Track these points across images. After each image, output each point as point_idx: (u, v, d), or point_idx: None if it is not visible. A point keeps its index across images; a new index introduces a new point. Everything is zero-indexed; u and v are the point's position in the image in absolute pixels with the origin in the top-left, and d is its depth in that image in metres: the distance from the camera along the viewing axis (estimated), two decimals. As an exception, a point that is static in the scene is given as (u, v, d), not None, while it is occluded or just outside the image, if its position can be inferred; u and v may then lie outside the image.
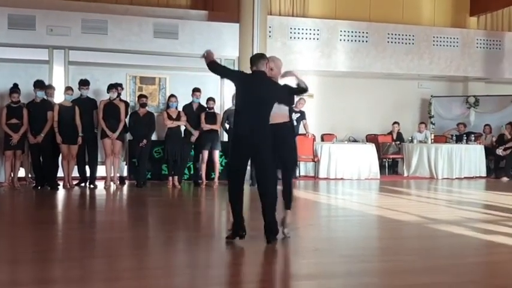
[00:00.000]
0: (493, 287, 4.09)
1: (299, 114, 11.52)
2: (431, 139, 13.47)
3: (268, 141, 5.23)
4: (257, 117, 5.21)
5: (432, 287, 4.00)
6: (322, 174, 11.86)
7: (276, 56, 5.77)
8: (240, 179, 5.39)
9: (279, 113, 5.45)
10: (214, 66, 5.50)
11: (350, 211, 7.89)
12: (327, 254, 5.10)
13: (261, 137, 5.20)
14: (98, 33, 11.41)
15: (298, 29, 13.50)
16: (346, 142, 12.91)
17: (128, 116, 10.27)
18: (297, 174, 11.28)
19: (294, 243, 5.48)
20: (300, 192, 9.51)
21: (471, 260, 4.90)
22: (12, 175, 9.43)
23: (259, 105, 5.24)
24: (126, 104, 10.36)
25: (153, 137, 10.65)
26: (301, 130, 11.75)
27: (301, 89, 5.62)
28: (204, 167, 10.29)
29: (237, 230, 5.29)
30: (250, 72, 5.49)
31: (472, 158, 12.92)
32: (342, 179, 11.86)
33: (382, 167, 12.96)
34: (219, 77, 12.27)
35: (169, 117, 10.14)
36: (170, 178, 10.13)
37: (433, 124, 15.04)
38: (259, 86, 5.32)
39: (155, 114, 10.80)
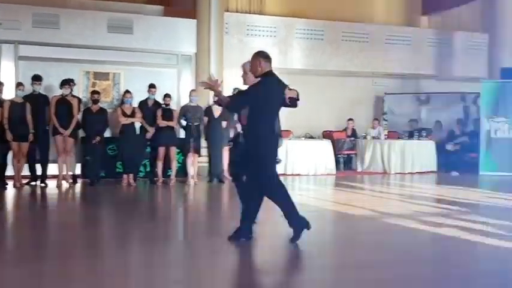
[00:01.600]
0: (443, 278, 4.20)
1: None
2: (385, 135, 13.73)
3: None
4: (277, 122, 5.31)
5: (383, 280, 4.08)
6: (279, 170, 11.85)
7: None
8: None
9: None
10: (234, 105, 5.41)
11: (306, 206, 7.93)
12: (280, 251, 5.14)
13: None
14: (50, 27, 11.17)
15: (255, 26, 13.52)
16: (302, 139, 13.02)
17: (81, 113, 10.09)
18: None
19: (250, 242, 5.52)
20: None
21: (421, 253, 5.03)
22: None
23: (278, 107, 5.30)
24: (79, 100, 10.16)
25: (107, 134, 10.49)
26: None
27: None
28: (160, 164, 10.19)
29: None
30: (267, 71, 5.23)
31: (423, 153, 13.25)
32: (298, 175, 11.96)
33: (337, 162, 13.13)
34: (175, 73, 12.41)
35: (124, 114, 10.00)
36: (125, 176, 10.00)
37: (386, 120, 15.31)
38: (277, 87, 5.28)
39: (109, 110, 10.64)
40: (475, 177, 12.46)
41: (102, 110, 10.16)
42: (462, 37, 15.63)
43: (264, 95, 5.12)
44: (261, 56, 5.24)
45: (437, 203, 8.52)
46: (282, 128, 13.79)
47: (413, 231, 5.94)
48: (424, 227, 6.11)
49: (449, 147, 13.45)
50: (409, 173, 12.84)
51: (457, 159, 13.30)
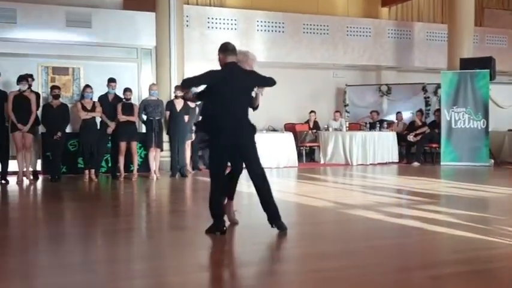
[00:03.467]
0: (401, 267, 4.28)
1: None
2: (346, 127, 13.85)
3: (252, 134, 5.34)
4: (239, 110, 5.26)
5: (344, 270, 4.13)
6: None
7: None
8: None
9: None
10: (189, 83, 5.43)
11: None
12: (242, 242, 5.16)
13: (244, 130, 5.27)
14: (6, 22, 10.90)
15: (216, 18, 13.46)
16: (265, 131, 13.04)
17: (40, 108, 9.89)
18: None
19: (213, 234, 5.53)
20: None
21: (383, 243, 5.10)
22: None
23: (239, 97, 5.28)
24: (37, 95, 9.96)
25: (68, 129, 10.32)
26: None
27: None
28: (122, 159, 10.09)
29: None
30: (227, 63, 5.31)
31: (384, 144, 13.42)
32: (261, 167, 11.96)
33: (300, 155, 13.22)
34: (135, 67, 12.25)
35: (84, 109, 9.85)
36: (86, 171, 9.87)
37: (348, 112, 15.49)
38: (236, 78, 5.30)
39: (69, 105, 10.47)
40: (436, 167, 12.71)
41: (62, 105, 9.99)
42: (422, 28, 15.88)
43: (219, 80, 5.25)
44: (220, 50, 5.34)
45: (398, 193, 8.66)
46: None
47: (376, 221, 6.02)
48: (385, 217, 6.20)
49: (411, 138, 13.64)
50: (371, 164, 13.00)
51: (418, 150, 13.51)
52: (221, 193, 5.34)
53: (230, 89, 5.22)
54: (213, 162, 5.39)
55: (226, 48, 5.30)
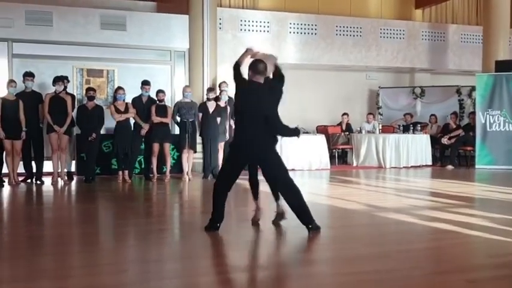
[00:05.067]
0: (436, 271, 4.21)
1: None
2: (379, 129, 13.73)
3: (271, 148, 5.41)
4: (255, 128, 5.30)
5: (378, 273, 4.08)
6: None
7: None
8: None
9: None
10: (236, 68, 5.52)
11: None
12: (275, 245, 5.14)
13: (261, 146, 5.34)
14: (43, 25, 11.14)
15: (249, 21, 13.51)
16: (297, 133, 12.99)
17: (75, 110, 10.06)
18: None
19: (244, 234, 5.54)
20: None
21: (416, 247, 5.03)
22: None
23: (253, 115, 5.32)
24: (73, 97, 10.14)
25: (102, 131, 10.46)
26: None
27: (281, 76, 5.69)
28: (154, 160, 10.19)
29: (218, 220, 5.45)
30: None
31: (418, 147, 13.25)
32: (293, 170, 11.91)
33: (332, 157, 13.15)
34: (169, 69, 12.37)
35: (117, 110, 9.97)
36: (120, 172, 9.99)
37: (381, 115, 15.36)
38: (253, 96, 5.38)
39: (104, 107, 10.62)
40: (471, 170, 12.49)
41: (97, 107, 10.13)
42: (456, 30, 15.66)
43: (239, 98, 5.48)
44: (250, 67, 5.46)
45: (432, 196, 8.53)
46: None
47: (409, 224, 5.95)
48: (419, 220, 6.12)
49: (445, 140, 13.46)
50: (404, 167, 12.85)
51: (452, 152, 13.32)
52: (220, 193, 5.44)
53: (247, 107, 5.34)
54: (224, 167, 5.68)
55: (256, 69, 5.40)
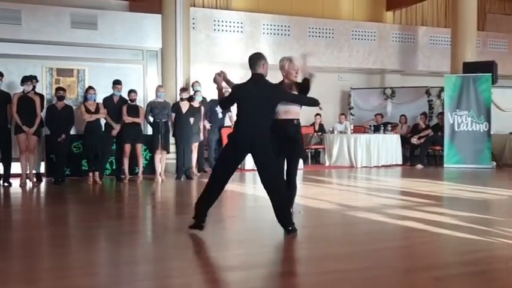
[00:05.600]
0: (405, 269, 4.27)
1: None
2: (351, 129, 13.86)
3: (267, 142, 5.32)
4: (257, 120, 5.29)
5: (348, 272, 4.12)
6: (248, 165, 11.90)
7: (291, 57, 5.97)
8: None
9: (287, 110, 5.74)
10: (224, 105, 5.74)
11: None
12: (249, 245, 5.15)
13: (260, 139, 5.28)
14: (11, 23, 10.94)
15: (222, 21, 13.49)
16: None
17: (45, 110, 9.91)
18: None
19: (218, 234, 5.53)
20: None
21: (388, 245, 5.09)
22: None
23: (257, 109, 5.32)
24: (42, 97, 9.98)
25: (72, 131, 10.32)
26: (227, 122, 11.85)
27: (307, 89, 5.93)
28: (126, 161, 10.09)
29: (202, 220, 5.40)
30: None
31: (388, 147, 13.44)
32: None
33: (305, 157, 13.21)
34: (141, 69, 12.26)
35: (87, 111, 9.85)
36: (91, 174, 9.87)
37: (353, 115, 15.51)
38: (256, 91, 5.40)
39: (74, 107, 10.48)
40: (440, 169, 12.70)
41: (67, 107, 9.98)
42: (426, 32, 15.90)
43: (241, 92, 5.53)
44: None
45: (402, 195, 8.64)
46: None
47: (380, 223, 6.01)
48: (389, 219, 6.19)
49: (414, 140, 13.66)
50: (375, 166, 13.01)
51: (422, 152, 13.54)
52: (209, 193, 5.40)
53: (250, 99, 5.35)
54: (218, 163, 5.52)
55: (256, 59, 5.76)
